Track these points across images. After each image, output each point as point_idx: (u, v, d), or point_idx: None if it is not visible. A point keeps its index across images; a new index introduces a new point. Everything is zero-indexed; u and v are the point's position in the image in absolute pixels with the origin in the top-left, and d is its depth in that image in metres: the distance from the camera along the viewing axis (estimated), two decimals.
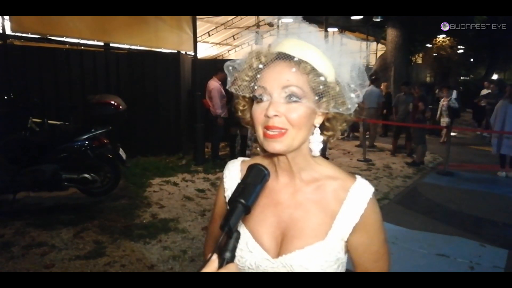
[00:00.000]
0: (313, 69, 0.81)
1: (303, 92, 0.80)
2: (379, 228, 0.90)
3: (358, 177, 0.92)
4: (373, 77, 9.37)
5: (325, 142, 0.91)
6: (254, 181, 0.75)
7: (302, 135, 0.83)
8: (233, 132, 6.89)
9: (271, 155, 0.91)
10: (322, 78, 0.81)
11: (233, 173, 1.00)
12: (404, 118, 8.04)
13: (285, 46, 0.83)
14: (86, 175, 4.64)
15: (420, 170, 7.09)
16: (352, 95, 0.85)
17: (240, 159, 1.04)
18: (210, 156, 7.23)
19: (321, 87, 0.80)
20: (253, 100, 0.85)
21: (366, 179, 0.92)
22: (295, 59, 0.80)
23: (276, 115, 0.79)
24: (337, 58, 0.85)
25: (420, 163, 7.37)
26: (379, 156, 8.27)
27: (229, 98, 6.53)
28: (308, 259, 0.85)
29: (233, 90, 0.86)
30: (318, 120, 0.86)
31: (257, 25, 12.84)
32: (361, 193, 0.88)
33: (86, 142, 4.63)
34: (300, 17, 0.90)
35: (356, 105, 0.85)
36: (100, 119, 4.79)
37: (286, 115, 0.80)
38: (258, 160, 0.97)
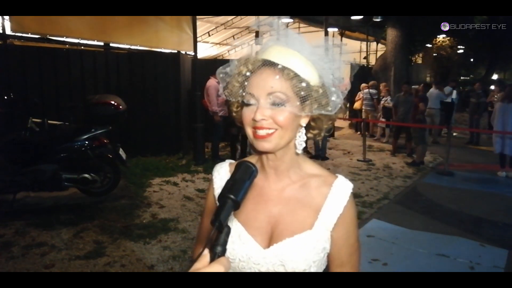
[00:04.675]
0: (296, 75, 0.86)
1: (287, 97, 0.86)
2: (355, 222, 0.99)
3: (339, 175, 0.99)
4: (436, 81, 10.51)
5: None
6: (242, 177, 0.77)
7: (289, 135, 0.89)
8: (233, 132, 6.89)
9: (260, 155, 0.97)
10: (304, 84, 0.86)
11: (222, 174, 1.05)
12: (404, 118, 8.05)
13: (270, 54, 0.88)
14: (86, 175, 4.64)
15: (420, 170, 7.10)
16: (334, 96, 0.90)
17: (227, 161, 1.09)
18: (210, 156, 7.23)
19: (302, 92, 0.86)
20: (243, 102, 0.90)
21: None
22: (279, 66, 0.85)
23: (263, 119, 0.85)
24: (320, 62, 0.90)
25: (420, 163, 7.37)
26: (379, 156, 8.27)
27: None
28: (297, 246, 0.91)
29: (226, 95, 0.92)
30: (304, 121, 0.92)
31: (257, 25, 12.81)
32: (342, 188, 0.96)
33: (86, 142, 4.63)
34: (281, 18, 0.94)
35: (339, 106, 0.91)
36: (100, 119, 4.79)
37: (273, 117, 0.86)
38: (247, 159, 1.02)
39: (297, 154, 0.96)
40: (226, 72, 0.93)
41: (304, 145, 0.94)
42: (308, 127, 0.94)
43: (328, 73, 0.90)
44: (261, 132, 0.87)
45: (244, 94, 0.89)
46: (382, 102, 9.91)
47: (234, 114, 0.98)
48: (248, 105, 0.88)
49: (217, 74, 0.93)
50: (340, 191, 0.95)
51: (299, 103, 0.86)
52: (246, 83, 0.88)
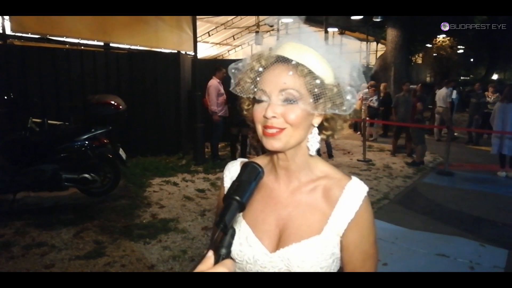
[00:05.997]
0: (310, 72, 0.83)
1: (300, 94, 0.83)
2: (370, 227, 0.93)
3: (354, 177, 0.95)
4: (446, 80, 10.97)
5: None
6: (248, 178, 0.76)
7: (300, 134, 0.86)
8: (233, 132, 6.90)
9: (271, 155, 0.94)
10: (318, 81, 0.83)
11: (233, 174, 1.01)
12: (404, 119, 8.05)
13: (284, 50, 0.86)
14: (86, 175, 4.64)
15: (420, 170, 7.09)
16: (349, 96, 0.86)
17: (239, 160, 1.05)
18: (210, 156, 7.24)
19: (316, 89, 0.83)
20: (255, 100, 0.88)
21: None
22: (293, 62, 0.83)
23: (274, 117, 0.82)
24: (336, 60, 0.87)
25: (420, 163, 7.37)
26: (379, 156, 8.27)
27: (229, 97, 6.54)
28: (304, 251, 0.87)
29: (237, 92, 0.89)
30: (317, 120, 0.89)
31: (257, 25, 12.83)
32: (355, 191, 0.91)
33: (86, 142, 4.63)
34: (301, 18, 0.92)
35: (354, 106, 0.87)
36: (100, 119, 4.79)
37: (284, 115, 0.83)
38: (258, 159, 0.99)
39: (310, 155, 0.92)
40: (238, 68, 0.90)
41: (318, 145, 0.91)
42: (321, 128, 0.91)
43: (344, 72, 0.87)
44: (270, 130, 0.84)
45: (255, 90, 0.86)
46: (367, 101, 9.98)
47: (245, 112, 0.95)
48: (259, 102, 0.85)
49: (229, 70, 0.90)
50: (353, 194, 0.90)
51: (312, 101, 0.83)
52: (258, 79, 0.85)
